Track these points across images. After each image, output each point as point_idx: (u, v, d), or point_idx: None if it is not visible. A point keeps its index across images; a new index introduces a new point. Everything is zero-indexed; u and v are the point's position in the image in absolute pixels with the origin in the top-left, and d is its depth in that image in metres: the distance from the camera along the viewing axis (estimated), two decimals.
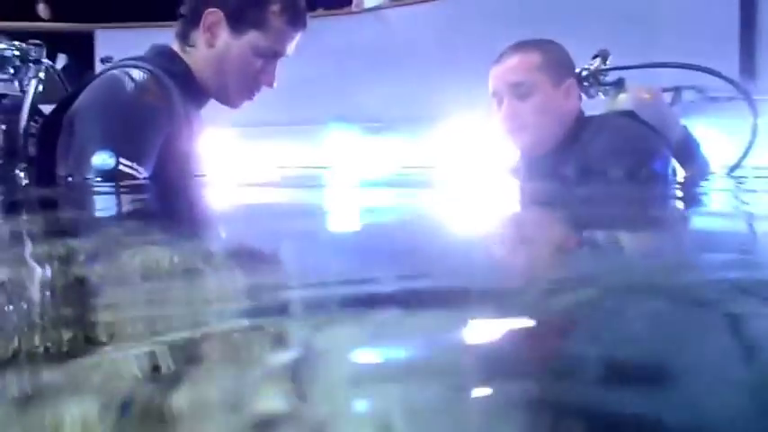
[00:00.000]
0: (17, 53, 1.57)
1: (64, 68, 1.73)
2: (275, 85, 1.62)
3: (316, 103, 6.36)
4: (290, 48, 1.61)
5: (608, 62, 1.99)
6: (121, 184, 1.36)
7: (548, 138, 1.78)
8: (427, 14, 7.07)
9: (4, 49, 1.57)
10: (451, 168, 5.30)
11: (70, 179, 1.42)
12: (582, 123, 1.79)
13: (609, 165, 1.71)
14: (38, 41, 1.60)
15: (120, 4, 8.35)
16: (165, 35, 7.60)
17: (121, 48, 8.16)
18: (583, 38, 5.11)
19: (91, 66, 8.63)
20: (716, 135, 3.07)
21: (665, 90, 3.03)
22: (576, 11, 5.57)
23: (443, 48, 6.64)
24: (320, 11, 7.44)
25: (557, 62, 1.80)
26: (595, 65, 1.95)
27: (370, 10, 7.52)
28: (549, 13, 5.80)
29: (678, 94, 3.73)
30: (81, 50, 8.44)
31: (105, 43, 8.39)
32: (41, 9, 8.70)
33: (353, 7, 7.61)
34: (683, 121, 1.90)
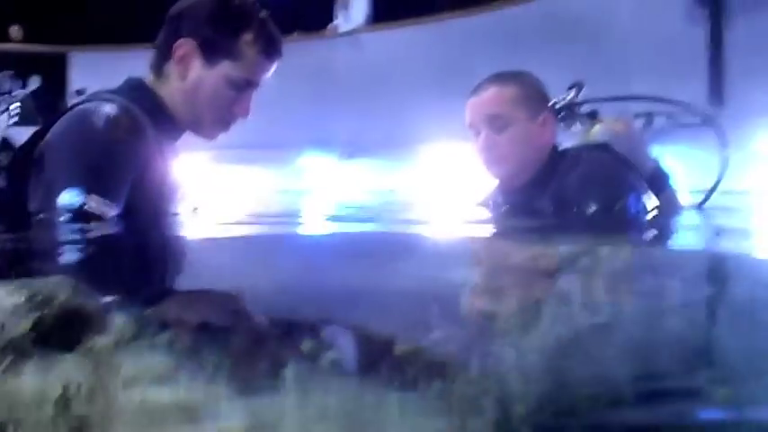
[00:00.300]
0: None
1: (36, 91, 1.70)
2: (250, 115, 1.59)
3: (290, 126, 6.36)
4: (266, 78, 1.58)
5: (581, 93, 2.02)
6: (84, 227, 1.32)
7: (524, 170, 1.78)
8: (402, 40, 7.13)
9: None
10: (427, 195, 5.32)
11: (40, 216, 1.38)
12: (557, 156, 1.80)
13: (583, 199, 1.72)
14: (10, 71, 1.57)
15: (94, 26, 8.32)
16: (138, 57, 7.48)
17: (95, 70, 8.10)
18: (558, 64, 5.18)
19: (63, 88, 8.59)
20: (687, 161, 3.12)
21: (636, 116, 3.07)
22: (551, 39, 5.66)
23: (418, 73, 6.69)
24: (295, 35, 7.49)
25: (533, 95, 1.81)
26: (570, 96, 1.98)
27: (345, 35, 7.58)
28: (524, 40, 5.88)
29: (650, 121, 3.79)
30: (54, 72, 8.40)
31: (79, 65, 8.36)
32: (14, 31, 8.63)
33: (328, 32, 7.66)
34: (654, 151, 1.93)
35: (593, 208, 1.69)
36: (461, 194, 2.81)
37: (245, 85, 1.52)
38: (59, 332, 0.46)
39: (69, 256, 1.08)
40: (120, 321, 0.51)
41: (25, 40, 8.60)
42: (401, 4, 7.15)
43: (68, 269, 0.89)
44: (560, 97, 1.94)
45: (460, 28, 6.79)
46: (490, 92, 1.78)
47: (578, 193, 1.71)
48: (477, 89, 1.82)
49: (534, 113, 1.78)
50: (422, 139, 6.22)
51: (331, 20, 7.73)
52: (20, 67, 8.59)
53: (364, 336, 0.62)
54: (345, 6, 7.70)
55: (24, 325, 0.45)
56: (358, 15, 7.60)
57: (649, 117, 3.51)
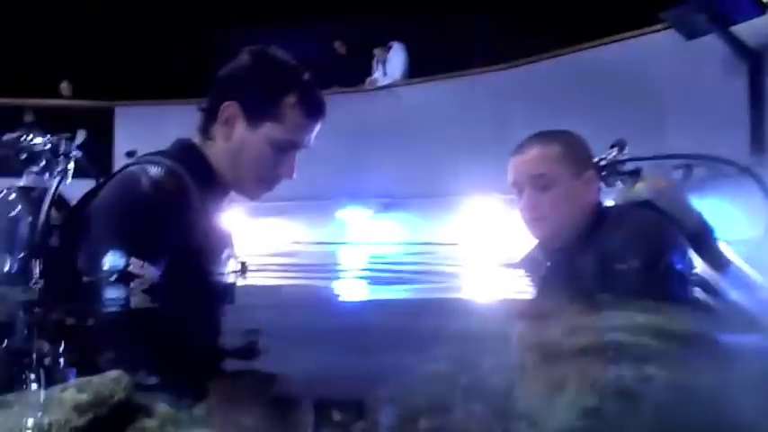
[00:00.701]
0: (48, 147, 1.60)
1: (83, 144, 1.76)
2: (294, 176, 1.61)
3: (328, 178, 6.42)
4: (310, 138, 1.60)
5: (625, 151, 2.01)
6: (129, 292, 1.35)
7: (567, 229, 1.76)
8: (439, 93, 7.22)
9: (36, 144, 1.60)
10: (465, 249, 5.29)
11: (87, 279, 1.42)
12: (601, 215, 1.79)
13: (627, 257, 1.70)
14: (68, 135, 1.63)
15: (139, 82, 8.61)
16: (179, 111, 7.70)
17: (139, 123, 8.36)
18: (597, 119, 5.19)
19: (110, 140, 8.86)
20: (728, 210, 3.06)
21: (675, 168, 3.04)
22: (590, 95, 5.67)
23: (455, 126, 6.74)
24: (335, 88, 7.64)
25: (577, 154, 1.80)
26: (613, 154, 1.97)
27: (383, 88, 7.71)
28: (560, 95, 5.91)
29: (689, 171, 3.74)
30: (101, 125, 8.69)
31: (124, 119, 8.64)
32: (64, 88, 8.97)
33: (367, 85, 7.80)
34: (697, 206, 1.90)
35: (636, 265, 1.66)
36: (498, 249, 2.78)
37: (288, 147, 1.53)
38: (114, 427, 0.55)
39: (118, 336, 1.09)
40: (165, 411, 0.59)
41: (74, 95, 8.92)
42: (437, 60, 7.25)
43: (120, 357, 0.89)
44: (603, 156, 1.93)
45: (496, 82, 6.85)
46: (534, 151, 1.78)
47: (622, 250, 1.68)
48: (520, 148, 1.81)
49: (578, 172, 1.76)
50: (457, 191, 6.24)
51: (369, 74, 7.88)
52: (68, 121, 8.91)
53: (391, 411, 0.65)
54: (383, 61, 7.85)
55: (84, 420, 0.53)
56: (395, 70, 7.73)
57: (688, 168, 3.47)
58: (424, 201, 6.69)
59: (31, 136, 1.59)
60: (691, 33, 4.83)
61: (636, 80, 5.43)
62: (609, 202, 1.88)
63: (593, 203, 1.79)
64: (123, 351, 0.93)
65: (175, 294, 1.43)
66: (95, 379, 0.57)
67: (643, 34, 5.63)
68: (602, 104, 5.52)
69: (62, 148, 1.57)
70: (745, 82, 4.82)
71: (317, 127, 1.58)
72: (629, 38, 5.76)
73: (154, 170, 1.44)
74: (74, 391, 0.55)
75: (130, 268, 1.35)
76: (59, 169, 1.54)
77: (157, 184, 1.42)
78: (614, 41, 5.95)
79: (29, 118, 8.61)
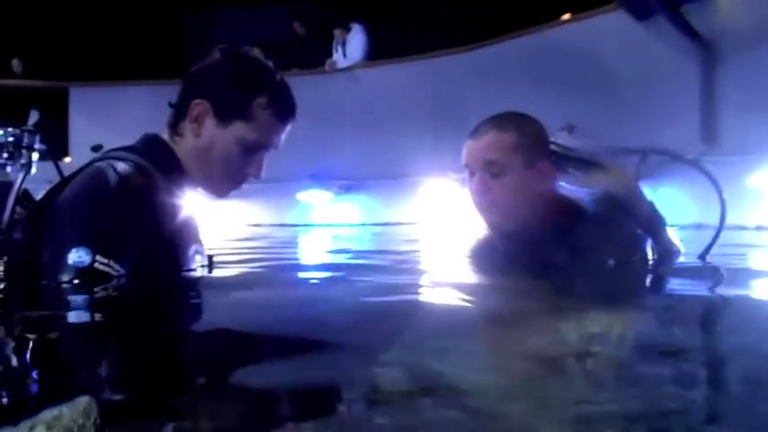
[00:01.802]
0: (11, 139, 1.57)
1: (36, 124, 1.72)
2: (262, 175, 1.61)
3: (289, 160, 6.34)
4: (280, 140, 1.60)
5: (573, 133, 2.01)
6: (91, 290, 1.33)
7: (516, 217, 1.74)
8: (399, 75, 7.22)
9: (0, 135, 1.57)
10: (423, 228, 5.34)
11: (48, 279, 1.40)
12: (559, 205, 1.78)
13: (602, 255, 1.73)
14: (32, 128, 1.59)
15: (94, 62, 8.41)
16: (137, 92, 7.56)
17: (95, 104, 8.16)
18: (550, 102, 5.23)
19: (65, 121, 8.65)
20: (681, 196, 3.14)
21: (630, 152, 3.09)
22: (546, 77, 5.72)
23: (414, 108, 6.76)
24: (294, 70, 7.57)
25: (532, 143, 1.77)
26: (562, 138, 1.96)
27: (343, 70, 7.67)
28: (516, 77, 5.95)
29: (645, 157, 3.81)
30: (55, 106, 8.47)
31: (79, 100, 8.44)
32: (15, 65, 8.71)
33: (327, 66, 7.74)
34: (649, 192, 1.93)
35: (612, 263, 1.69)
36: (456, 233, 2.80)
37: (256, 147, 1.53)
38: None
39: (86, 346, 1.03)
40: None
41: (26, 73, 8.67)
42: (397, 42, 7.24)
43: (89, 373, 0.85)
44: (552, 139, 1.91)
45: (453, 64, 6.87)
46: (489, 136, 1.76)
47: (596, 249, 1.70)
48: (476, 131, 1.79)
49: (532, 161, 1.75)
50: (416, 172, 6.26)
51: (329, 55, 7.83)
52: (21, 101, 8.67)
53: None
54: (343, 42, 7.81)
55: None
56: (355, 52, 7.70)
57: (644, 154, 3.53)
58: (383, 182, 6.71)
59: None
60: (641, 14, 4.88)
61: (589, 62, 5.47)
62: (567, 190, 1.88)
63: (548, 193, 1.78)
64: (92, 366, 0.90)
65: (143, 297, 1.41)
66: (65, 411, 0.55)
67: (595, 15, 5.65)
68: (557, 86, 5.56)
69: (25, 141, 1.54)
70: (698, 66, 4.90)
71: (288, 129, 1.58)
72: (581, 18, 5.80)
73: (121, 166, 1.43)
74: (42, 430, 0.54)
75: (96, 265, 1.33)
76: (23, 162, 1.51)
77: (125, 181, 1.40)
78: (569, 22, 5.99)
79: None
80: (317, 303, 1.45)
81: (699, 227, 2.38)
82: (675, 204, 1.93)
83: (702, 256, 1.91)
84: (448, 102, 6.47)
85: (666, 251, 1.84)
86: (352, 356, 0.90)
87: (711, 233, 1.97)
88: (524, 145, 1.74)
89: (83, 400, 0.57)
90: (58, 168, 1.65)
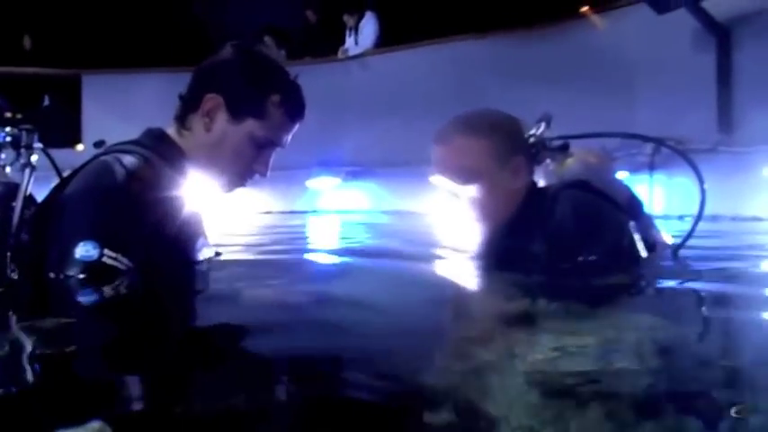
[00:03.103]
0: (9, 139, 1.56)
1: (47, 108, 1.72)
2: (268, 174, 1.61)
3: (299, 147, 6.33)
4: (288, 138, 1.61)
5: (551, 125, 1.95)
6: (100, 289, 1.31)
7: (495, 216, 1.72)
8: (410, 62, 7.18)
9: None
10: (430, 215, 5.31)
11: (54, 275, 1.39)
12: (535, 195, 1.74)
13: (585, 248, 1.69)
14: (29, 126, 1.59)
15: (107, 49, 8.41)
16: (149, 80, 7.57)
17: (107, 92, 8.17)
18: (568, 95, 5.18)
19: (77, 109, 8.68)
20: (694, 187, 3.09)
21: (645, 140, 3.06)
22: (561, 68, 5.68)
23: (425, 95, 6.72)
24: (307, 59, 7.54)
25: (504, 141, 1.70)
26: (541, 129, 1.90)
27: (353, 57, 7.64)
28: (534, 69, 5.91)
29: (658, 148, 3.77)
30: (68, 94, 8.50)
31: (92, 87, 8.46)
32: (27, 42, 8.73)
33: (340, 54, 7.72)
34: (626, 179, 1.88)
35: (596, 256, 1.65)
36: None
37: (266, 144, 1.54)
38: None
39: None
40: None
41: (36, 51, 8.68)
42: (409, 28, 7.20)
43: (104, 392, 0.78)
44: (530, 132, 1.86)
45: (467, 52, 6.83)
46: (456, 142, 1.70)
47: (577, 241, 1.66)
48: (442, 136, 1.72)
49: (504, 161, 1.70)
50: (427, 161, 6.21)
51: (342, 43, 7.80)
52: (34, 89, 8.72)
53: None
54: (354, 28, 7.77)
55: None
56: (367, 39, 7.66)
57: (657, 145, 3.50)
58: (393, 170, 6.69)
59: None
60: (661, 8, 4.85)
61: (606, 55, 5.45)
62: (541, 182, 1.84)
63: (523, 188, 1.73)
64: (106, 381, 0.85)
65: (154, 299, 1.38)
66: None
67: (614, 8, 5.63)
68: (573, 77, 5.53)
69: (24, 141, 1.53)
70: (714, 57, 4.86)
71: (295, 128, 1.58)
72: (600, 12, 5.77)
73: (128, 159, 1.42)
74: None
75: (104, 259, 1.33)
76: (22, 162, 1.50)
77: (132, 174, 1.40)
78: (586, 14, 5.95)
79: None
80: (332, 300, 1.43)
81: (714, 218, 2.36)
82: (689, 195, 1.88)
83: (677, 249, 1.86)
84: (460, 89, 6.43)
85: (648, 235, 1.80)
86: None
87: (728, 225, 1.94)
88: (495, 146, 1.67)
89: (96, 425, 0.55)
90: (55, 167, 1.64)
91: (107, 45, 8.44)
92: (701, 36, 4.87)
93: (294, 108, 1.56)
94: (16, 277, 1.35)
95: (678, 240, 1.84)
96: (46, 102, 8.47)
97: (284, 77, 1.57)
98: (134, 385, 0.81)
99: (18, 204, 1.39)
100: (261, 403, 0.71)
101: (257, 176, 1.59)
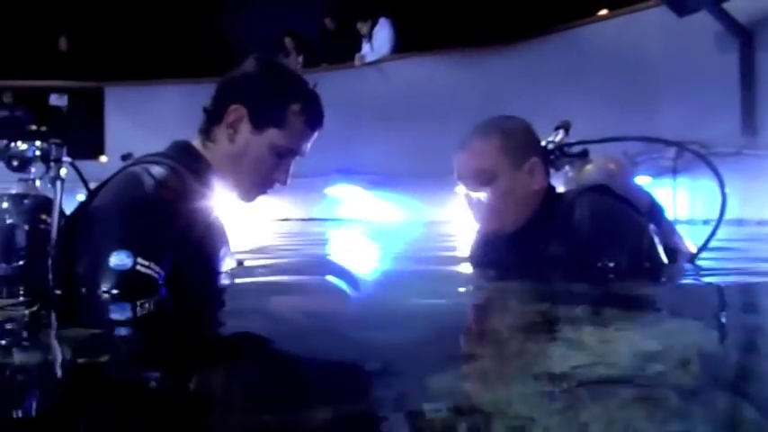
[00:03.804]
0: (38, 153, 1.59)
1: (66, 108, 1.74)
2: (288, 182, 1.65)
3: (318, 155, 6.34)
4: (307, 147, 1.65)
5: (570, 132, 1.95)
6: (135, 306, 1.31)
7: (513, 219, 1.73)
8: (429, 70, 7.18)
9: (26, 149, 1.59)
10: (451, 222, 5.30)
11: (85, 291, 1.40)
12: (554, 200, 1.75)
13: (610, 254, 1.68)
14: (58, 140, 1.62)
15: (129, 61, 8.51)
16: (171, 91, 7.64)
17: (130, 104, 8.25)
18: (590, 99, 5.15)
19: (100, 121, 8.79)
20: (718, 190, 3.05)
21: (667, 144, 3.02)
22: (582, 72, 5.66)
23: (445, 103, 6.71)
24: (324, 65, 7.57)
25: (518, 143, 1.74)
26: (559, 137, 1.91)
27: (370, 64, 7.65)
28: (554, 73, 5.89)
29: (681, 152, 3.73)
30: (91, 106, 8.63)
31: (114, 99, 8.57)
32: (62, 43, 8.87)
33: (357, 61, 7.74)
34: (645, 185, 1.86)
35: (616, 260, 1.65)
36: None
37: (287, 153, 1.58)
38: None
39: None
40: None
41: (71, 53, 8.82)
42: (426, 35, 7.19)
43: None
44: (549, 139, 1.88)
45: (486, 59, 6.82)
46: (474, 146, 1.75)
47: (596, 245, 1.66)
48: (462, 143, 1.77)
49: (519, 162, 1.72)
50: (446, 169, 6.18)
51: (358, 50, 7.81)
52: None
53: None
54: (369, 35, 7.78)
55: None
56: (382, 46, 7.67)
57: (680, 149, 3.47)
58: (413, 178, 6.69)
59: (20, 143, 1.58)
60: (683, 10, 4.81)
61: (628, 57, 5.42)
62: (560, 188, 1.84)
63: (541, 189, 1.75)
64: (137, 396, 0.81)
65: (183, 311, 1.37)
66: None
67: (635, 11, 5.60)
68: (593, 82, 5.50)
69: (53, 154, 1.55)
70: (737, 59, 4.81)
71: (314, 137, 1.61)
72: (621, 14, 5.74)
73: (156, 169, 1.44)
74: None
75: (138, 268, 1.33)
76: (51, 176, 1.53)
77: (162, 184, 1.41)
78: (607, 18, 5.93)
79: (7, 99, 8.53)
80: (353, 309, 1.43)
81: (740, 222, 2.33)
82: (713, 199, 1.85)
83: (697, 254, 1.83)
84: (479, 97, 6.43)
85: (669, 240, 1.79)
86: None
87: (753, 229, 1.91)
88: (509, 147, 1.72)
89: None
90: (83, 179, 1.66)
91: (129, 57, 8.55)
92: (723, 38, 4.83)
93: (313, 116, 1.58)
94: (59, 292, 1.37)
95: (699, 245, 1.82)
96: (64, 101, 8.54)
97: (304, 87, 1.59)
98: (167, 399, 0.80)
99: (54, 219, 1.41)
100: (293, 419, 0.71)
101: (277, 185, 1.61)
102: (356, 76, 7.56)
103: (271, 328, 1.17)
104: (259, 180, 1.58)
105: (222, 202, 1.56)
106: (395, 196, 6.98)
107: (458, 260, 2.11)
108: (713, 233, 1.78)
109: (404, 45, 7.59)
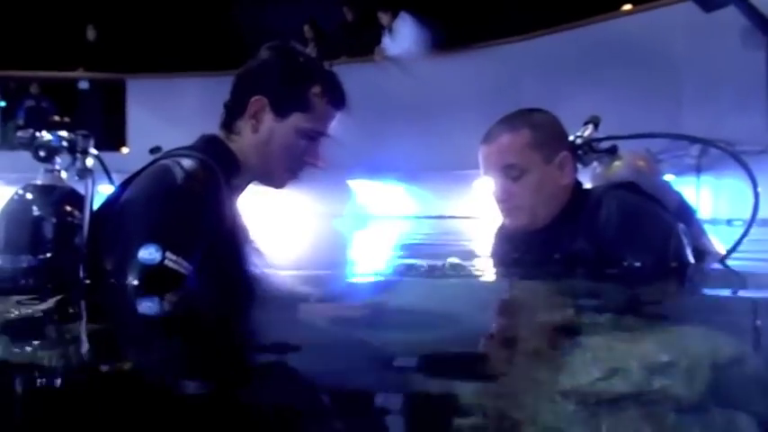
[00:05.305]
0: (65, 144, 1.60)
1: (87, 92, 1.75)
2: (322, 164, 1.65)
3: (340, 151, 6.30)
4: (332, 127, 1.67)
5: (599, 128, 1.92)
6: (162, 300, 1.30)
7: (543, 215, 1.69)
8: (451, 64, 7.14)
9: (52, 140, 1.60)
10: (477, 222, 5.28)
11: (113, 281, 1.40)
12: (581, 196, 1.72)
13: (630, 250, 1.65)
14: (85, 132, 1.63)
15: (150, 53, 8.57)
16: (191, 84, 7.65)
17: (151, 96, 8.30)
18: (614, 95, 5.08)
19: (122, 114, 8.88)
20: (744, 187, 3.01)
21: (693, 141, 2.98)
22: (606, 67, 5.60)
23: (467, 98, 6.67)
24: (343, 58, 7.54)
25: (547, 137, 1.70)
26: (588, 132, 1.87)
27: (393, 59, 7.60)
28: (578, 69, 5.84)
29: (706, 149, 3.68)
30: (113, 99, 8.72)
31: (136, 91, 8.64)
32: (90, 33, 8.94)
33: (375, 55, 7.68)
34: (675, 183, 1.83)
35: (643, 258, 1.62)
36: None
37: (314, 135, 1.58)
38: None
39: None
40: None
41: (99, 41, 8.90)
42: (449, 30, 7.14)
43: None
44: (577, 134, 1.84)
45: (509, 54, 6.78)
46: (503, 139, 1.70)
47: (624, 242, 1.63)
48: (488, 136, 1.74)
49: (550, 156, 1.69)
50: (470, 165, 6.13)
51: (378, 42, 7.75)
52: (80, 95, 8.95)
53: None
54: (389, 27, 7.72)
55: None
56: (404, 41, 7.61)
57: (705, 146, 3.41)
58: (436, 174, 6.66)
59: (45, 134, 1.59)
60: (710, 5, 4.74)
61: (652, 53, 5.35)
62: (588, 184, 1.81)
63: (570, 185, 1.72)
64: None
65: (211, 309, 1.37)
66: None
67: (661, 6, 5.53)
68: (617, 78, 5.44)
69: (79, 145, 1.56)
70: (765, 56, 4.74)
71: (338, 115, 1.62)
72: (646, 9, 5.67)
73: (187, 163, 1.43)
74: None
75: (166, 262, 1.33)
76: (78, 167, 1.53)
77: (192, 177, 1.41)
78: (631, 13, 5.86)
79: (34, 90, 8.64)
80: (381, 310, 1.42)
81: (766, 223, 2.28)
82: (738, 198, 1.82)
83: (726, 256, 1.80)
84: (502, 92, 6.38)
85: (699, 241, 1.76)
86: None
87: None
88: (540, 141, 1.69)
89: None
90: (106, 171, 1.66)
91: (151, 50, 8.61)
92: (750, 34, 4.75)
93: (335, 95, 1.59)
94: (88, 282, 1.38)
95: (729, 246, 1.79)
96: (86, 84, 8.72)
97: (321, 68, 1.61)
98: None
99: (86, 213, 1.42)
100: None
101: (310, 171, 1.61)
102: (378, 70, 7.52)
103: (293, 332, 1.16)
104: (290, 165, 1.59)
105: (251, 197, 1.57)
106: (416, 192, 6.97)
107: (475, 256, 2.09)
108: (744, 234, 1.75)
109: (428, 41, 7.49)
